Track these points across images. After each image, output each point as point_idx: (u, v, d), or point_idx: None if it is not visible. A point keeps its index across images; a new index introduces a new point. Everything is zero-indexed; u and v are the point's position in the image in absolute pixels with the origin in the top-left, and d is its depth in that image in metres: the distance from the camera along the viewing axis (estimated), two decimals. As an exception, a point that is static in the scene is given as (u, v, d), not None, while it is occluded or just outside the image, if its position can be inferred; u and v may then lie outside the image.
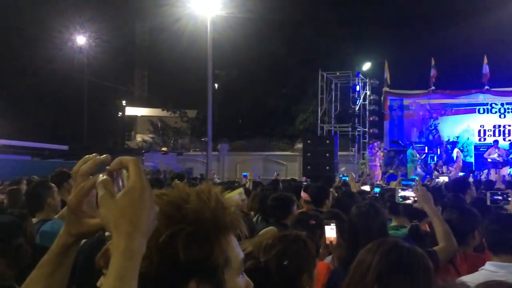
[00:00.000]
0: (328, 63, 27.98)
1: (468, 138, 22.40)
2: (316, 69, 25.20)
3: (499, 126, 22.18)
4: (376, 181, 14.98)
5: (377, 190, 7.85)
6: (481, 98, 22.40)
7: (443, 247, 3.30)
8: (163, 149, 32.58)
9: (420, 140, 22.79)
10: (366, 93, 23.98)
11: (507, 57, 26.05)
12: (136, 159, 1.02)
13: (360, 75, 23.95)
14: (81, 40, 40.65)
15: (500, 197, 4.52)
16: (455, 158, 20.35)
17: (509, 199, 4.46)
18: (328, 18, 34.86)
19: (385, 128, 24.12)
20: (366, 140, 23.93)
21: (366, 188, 8.52)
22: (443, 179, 11.56)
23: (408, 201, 3.78)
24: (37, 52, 36.31)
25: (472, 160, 21.67)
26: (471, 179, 9.98)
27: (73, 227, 1.11)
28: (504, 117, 22.20)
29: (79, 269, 2.11)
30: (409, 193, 3.80)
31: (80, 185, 1.09)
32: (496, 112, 22.28)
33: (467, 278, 2.66)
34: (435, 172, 18.09)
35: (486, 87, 22.22)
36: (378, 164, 21.23)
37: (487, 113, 22.38)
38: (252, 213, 5.93)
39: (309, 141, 21.58)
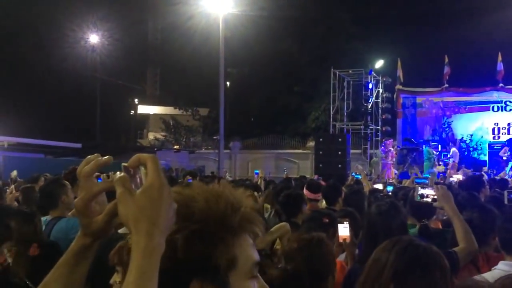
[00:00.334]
0: (341, 61, 27.90)
1: (482, 136, 22.21)
2: (328, 67, 25.14)
3: (514, 124, 21.98)
4: (389, 179, 14.91)
5: (389, 188, 7.82)
6: (495, 95, 22.19)
7: (464, 248, 3.23)
8: (175, 147, 32.68)
9: (433, 138, 22.64)
10: (378, 91, 23.87)
11: (522, 54, 25.77)
12: (154, 156, 1.01)
13: (372, 72, 23.82)
14: (94, 39, 40.93)
15: (517, 196, 4.47)
16: (450, 156, 20.00)
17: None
18: (340, 16, 34.74)
19: (397, 126, 23.99)
20: (379, 138, 23.83)
21: (379, 186, 8.49)
22: (457, 177, 11.46)
23: (427, 200, 3.72)
24: (51, 51, 36.64)
25: (486, 158, 21.48)
26: (485, 178, 9.87)
27: (86, 228, 1.12)
28: (519, 114, 22.00)
29: (92, 267, 2.11)
30: (428, 191, 3.75)
31: (83, 186, 1.10)
32: (510, 109, 22.07)
33: (480, 278, 2.63)
34: (449, 171, 17.94)
35: (501, 84, 22.00)
36: (391, 162, 21.11)
37: (501, 110, 22.17)
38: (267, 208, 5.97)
39: (321, 139, 21.54)
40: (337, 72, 24.09)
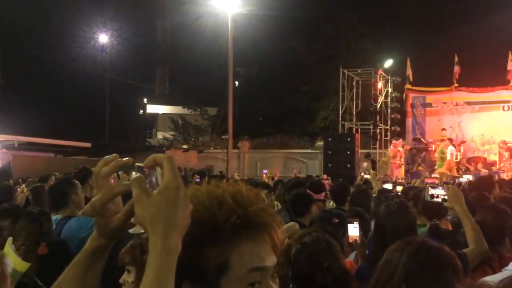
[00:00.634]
0: (350, 60, 27.81)
1: (492, 136, 22.04)
2: (337, 66, 25.06)
3: (525, 123, 21.77)
4: (398, 179, 14.85)
5: (399, 188, 7.79)
6: (505, 95, 22.01)
7: (473, 249, 3.18)
8: (183, 146, 32.72)
9: (443, 138, 22.48)
10: (387, 90, 23.77)
11: (533, 54, 25.55)
12: (170, 157, 1.01)
13: (381, 72, 23.71)
14: (103, 38, 41.13)
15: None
16: (448, 157, 19.67)
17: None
18: (349, 15, 34.64)
19: (407, 125, 23.86)
20: (388, 138, 23.72)
21: (388, 186, 8.47)
22: (467, 177, 11.39)
23: (437, 200, 3.69)
24: (61, 51, 36.87)
25: (497, 158, 21.32)
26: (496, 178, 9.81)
27: (102, 228, 1.12)
28: (530, 114, 21.80)
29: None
30: (439, 191, 3.71)
31: (101, 186, 1.09)
32: (521, 109, 21.90)
33: (490, 278, 2.61)
34: (460, 171, 17.84)
35: (511, 83, 21.83)
36: (400, 162, 21.00)
37: (512, 110, 22.00)
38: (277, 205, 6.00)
39: (329, 139, 21.51)
40: (346, 72, 24.00)
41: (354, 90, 24.18)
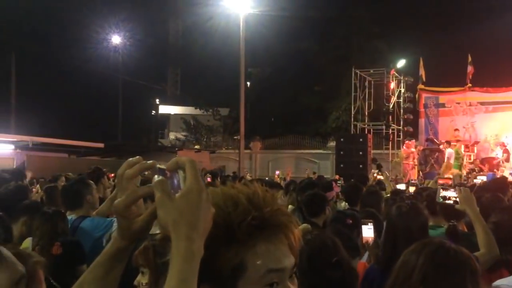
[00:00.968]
0: (362, 60, 27.71)
1: (506, 137, 21.82)
2: (349, 67, 24.99)
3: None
4: (411, 180, 14.76)
5: (412, 189, 7.75)
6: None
7: (484, 253, 3.15)
8: (196, 147, 32.81)
9: (456, 139, 22.31)
10: (400, 91, 23.64)
11: (548, 53, 25.32)
12: (192, 160, 1.02)
13: (394, 72, 23.60)
14: (116, 39, 41.39)
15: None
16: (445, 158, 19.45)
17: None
18: (361, 15, 34.50)
19: (420, 126, 23.72)
20: (400, 139, 23.60)
21: (401, 187, 8.43)
22: (481, 178, 11.29)
23: (449, 202, 3.66)
24: (75, 52, 37.14)
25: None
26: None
27: (125, 230, 1.11)
28: (544, 114, 21.55)
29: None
30: (451, 193, 3.68)
31: (124, 188, 1.08)
32: (535, 109, 21.66)
33: (503, 281, 2.58)
34: (473, 172, 17.68)
35: (525, 83, 21.64)
36: (413, 163, 20.86)
37: (527, 110, 21.77)
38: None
39: (342, 139, 21.44)
40: (358, 72, 23.92)
41: (367, 90, 24.09)
